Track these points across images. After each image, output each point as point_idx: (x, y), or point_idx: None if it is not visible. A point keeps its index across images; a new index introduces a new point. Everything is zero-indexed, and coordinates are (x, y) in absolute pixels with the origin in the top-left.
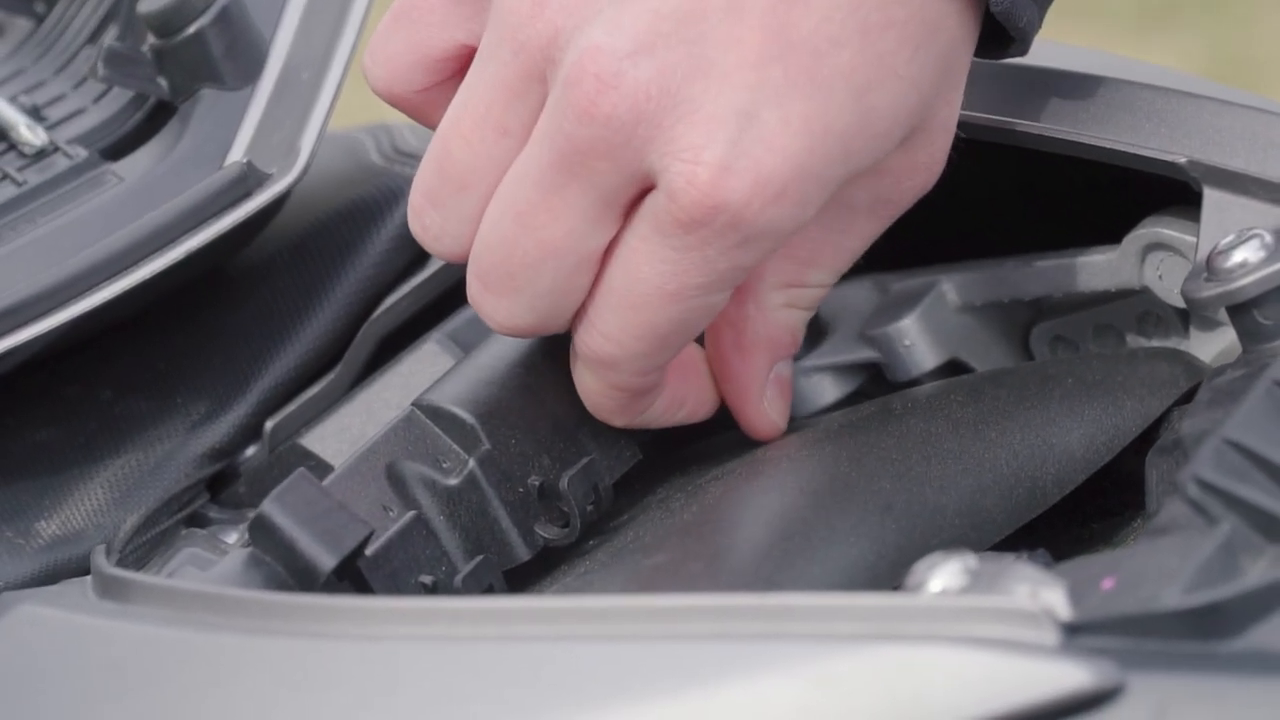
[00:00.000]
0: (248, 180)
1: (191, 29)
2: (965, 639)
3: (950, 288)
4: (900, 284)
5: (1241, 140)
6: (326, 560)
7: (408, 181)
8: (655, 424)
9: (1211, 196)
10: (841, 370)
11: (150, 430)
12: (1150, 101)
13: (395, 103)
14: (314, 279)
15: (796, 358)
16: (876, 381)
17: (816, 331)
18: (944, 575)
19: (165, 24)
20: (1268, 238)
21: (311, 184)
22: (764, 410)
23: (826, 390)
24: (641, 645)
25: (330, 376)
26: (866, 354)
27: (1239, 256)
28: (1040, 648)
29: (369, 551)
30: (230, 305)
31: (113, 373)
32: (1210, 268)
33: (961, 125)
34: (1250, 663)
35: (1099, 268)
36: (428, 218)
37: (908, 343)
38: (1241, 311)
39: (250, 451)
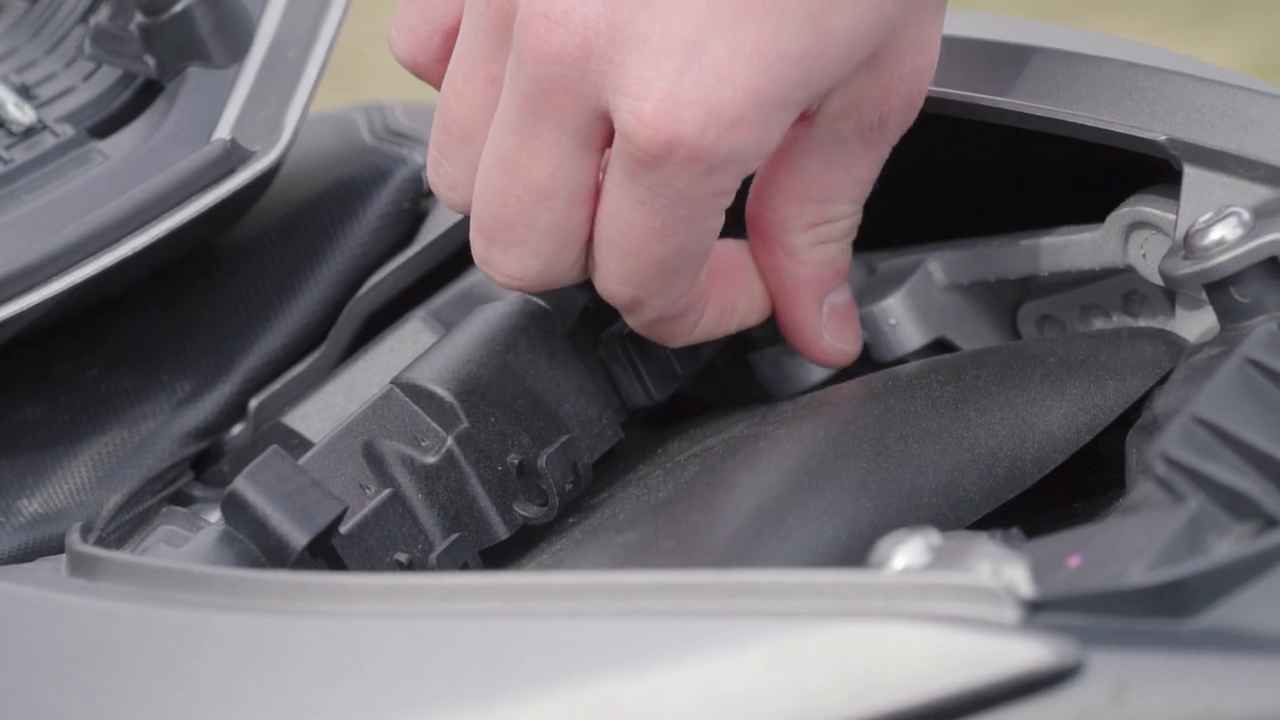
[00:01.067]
0: (231, 158)
1: (178, 7)
2: (924, 616)
3: (936, 267)
4: (887, 263)
5: (1222, 118)
6: (298, 537)
7: (396, 160)
8: (716, 335)
9: (1191, 174)
10: None
11: (135, 408)
12: (1132, 79)
13: (418, 72)
14: (301, 257)
15: (781, 339)
16: (864, 361)
17: None
18: (907, 552)
19: (152, 2)
20: (1245, 215)
21: (301, 162)
22: (826, 344)
23: (811, 371)
24: (600, 622)
25: (315, 355)
26: None
27: (1216, 234)
28: (999, 625)
29: (344, 529)
30: (218, 283)
31: (100, 350)
32: (1188, 246)
33: (943, 103)
34: (1211, 641)
35: (1083, 247)
36: (440, 170)
37: (893, 322)
38: (1219, 289)
39: (236, 430)
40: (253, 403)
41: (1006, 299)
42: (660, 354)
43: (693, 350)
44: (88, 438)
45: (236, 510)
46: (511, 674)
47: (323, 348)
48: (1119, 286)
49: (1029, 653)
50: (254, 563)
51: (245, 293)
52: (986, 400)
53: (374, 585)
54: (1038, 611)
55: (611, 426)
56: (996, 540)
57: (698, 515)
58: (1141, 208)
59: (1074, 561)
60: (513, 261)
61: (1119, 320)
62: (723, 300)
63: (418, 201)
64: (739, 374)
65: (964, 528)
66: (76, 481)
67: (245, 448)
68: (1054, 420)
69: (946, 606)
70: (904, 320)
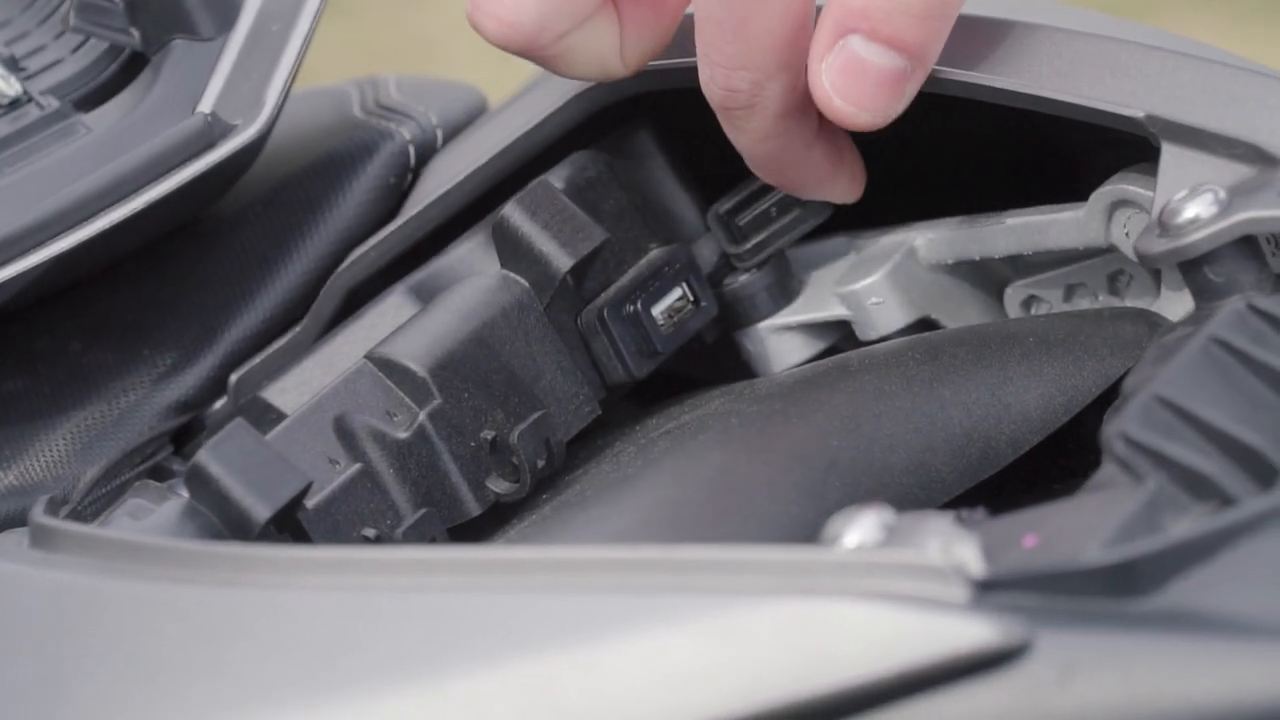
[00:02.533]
0: (211, 132)
1: None
2: (871, 594)
3: (921, 245)
4: (874, 241)
5: (1203, 94)
6: (261, 511)
7: (383, 135)
8: (824, 186)
9: (1170, 152)
10: (813, 328)
11: (116, 382)
12: (1113, 55)
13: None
14: (286, 231)
15: (766, 316)
16: (851, 340)
17: (788, 289)
18: (859, 529)
19: None
20: (1221, 193)
21: (289, 136)
22: (824, 88)
23: (797, 348)
24: (545, 597)
25: (296, 329)
26: (836, 311)
27: (1190, 212)
28: (947, 604)
29: (311, 504)
30: (201, 256)
31: (83, 324)
32: (1162, 224)
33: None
34: (1162, 622)
35: (1066, 226)
36: None
37: (876, 300)
38: (1193, 268)
39: (219, 405)
40: (233, 377)
41: (994, 279)
42: (639, 331)
43: (675, 328)
44: (67, 411)
45: (199, 483)
46: (454, 648)
47: (304, 322)
48: (1104, 266)
49: (975, 632)
50: (216, 536)
51: (229, 267)
52: (962, 379)
53: (319, 559)
54: (988, 591)
55: (589, 403)
56: (949, 519)
57: (662, 492)
58: (1124, 186)
59: (1030, 541)
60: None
61: (1105, 300)
62: (828, 147)
63: (404, 176)
64: (727, 352)
65: (936, 508)
66: (54, 455)
67: (224, 422)
68: (1031, 400)
69: (895, 585)
70: (888, 299)
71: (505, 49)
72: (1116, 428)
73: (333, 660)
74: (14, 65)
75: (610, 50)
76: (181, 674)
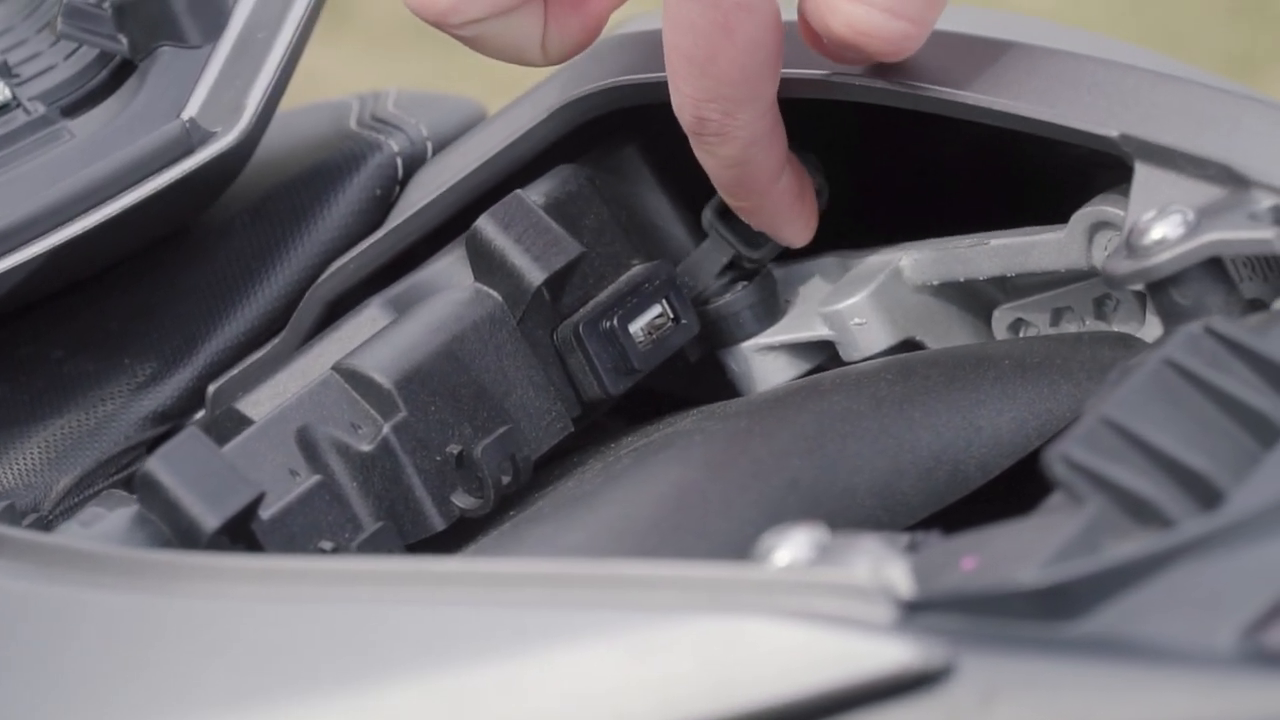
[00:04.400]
0: (190, 138)
1: None
2: (794, 612)
3: (907, 265)
4: (860, 261)
5: (1176, 114)
6: (209, 520)
7: (371, 147)
8: (781, 221)
9: (1142, 172)
10: (798, 349)
11: (95, 390)
12: (1090, 74)
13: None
14: (271, 242)
15: (751, 335)
16: (837, 362)
17: (773, 308)
18: (791, 547)
19: None
20: (1189, 214)
21: (283, 147)
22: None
23: (782, 368)
24: (466, 610)
25: (276, 340)
26: (820, 332)
27: (1158, 233)
28: (870, 624)
29: (266, 515)
30: (187, 266)
31: (67, 332)
32: (1129, 244)
33: (899, 95)
34: (1090, 647)
35: (1048, 248)
36: None
37: (859, 321)
38: (1160, 290)
39: (200, 415)
40: (211, 388)
41: (982, 301)
42: (615, 347)
43: (654, 345)
44: (44, 419)
45: (149, 491)
46: (372, 660)
47: (283, 334)
48: (1090, 290)
49: (896, 654)
50: (166, 545)
51: (213, 277)
52: (933, 401)
53: (248, 569)
54: (915, 612)
55: (561, 420)
56: (882, 539)
57: (617, 509)
58: (1104, 208)
59: (968, 563)
60: None
61: (1092, 325)
62: (793, 183)
63: (391, 189)
64: (715, 371)
65: (900, 530)
66: (27, 463)
67: (205, 433)
68: (1003, 424)
69: (819, 604)
70: (871, 319)
71: (419, 17)
72: (1058, 449)
73: (248, 671)
74: (6, 71)
75: (530, 41)
76: (101, 681)
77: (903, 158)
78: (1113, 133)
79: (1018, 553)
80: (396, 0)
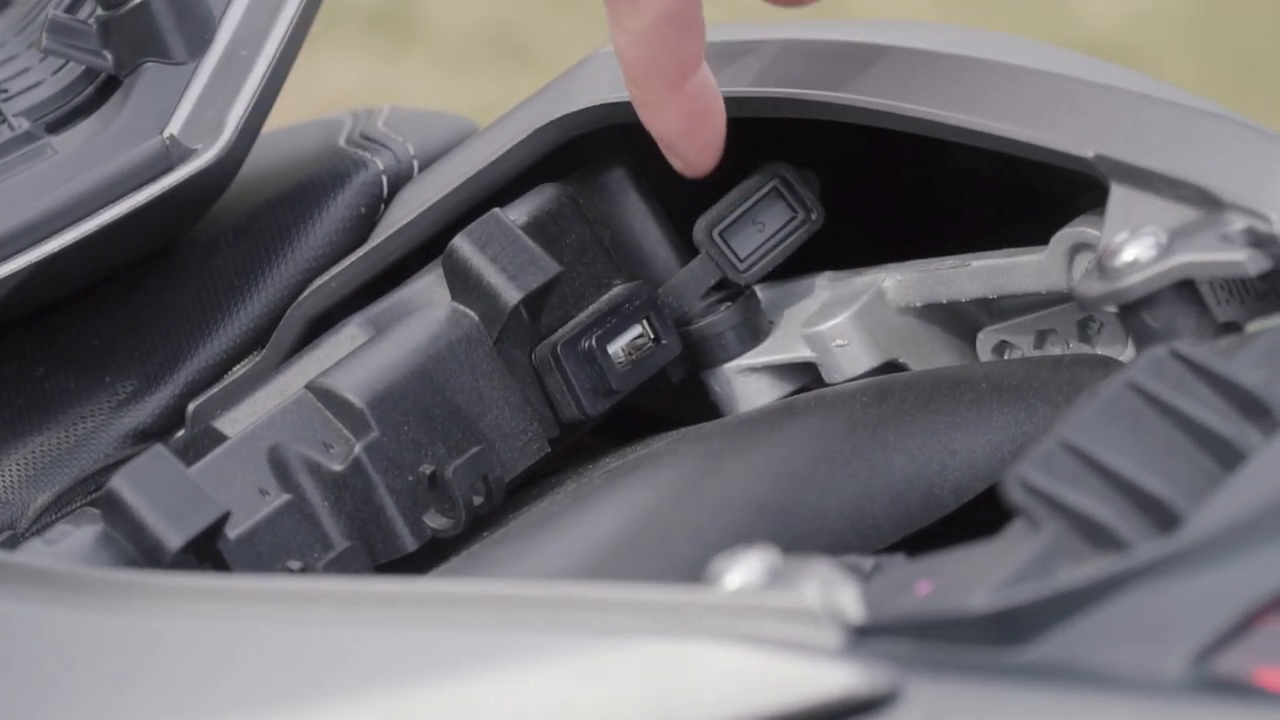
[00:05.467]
0: (170, 155)
1: (136, 0)
2: (740, 636)
3: (891, 287)
4: (845, 282)
5: (1152, 135)
6: (173, 539)
7: (357, 165)
8: (676, 136)
9: (1118, 193)
10: (781, 370)
11: (75, 408)
12: (1069, 94)
13: None
14: (255, 259)
15: (734, 356)
16: (821, 383)
17: (757, 328)
18: (742, 570)
19: None
20: (1162, 236)
21: (268, 164)
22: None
23: (765, 390)
24: (413, 632)
25: (256, 359)
26: (802, 353)
27: (1130, 254)
28: (816, 649)
29: (234, 534)
30: (170, 283)
31: (49, 349)
32: (1100, 265)
33: (878, 115)
34: (1038, 673)
35: (1029, 269)
36: None
37: (841, 342)
38: (1131, 312)
39: (180, 434)
40: (191, 406)
41: (967, 323)
42: (594, 368)
43: (634, 366)
44: (23, 436)
45: (113, 509)
46: (315, 681)
47: (264, 352)
48: (1074, 313)
49: (842, 678)
50: (130, 563)
51: (196, 294)
52: (907, 424)
53: (197, 588)
54: (865, 637)
55: (537, 440)
56: (834, 563)
57: (581, 530)
58: (1084, 229)
59: (924, 588)
60: None
61: (1075, 347)
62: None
63: (376, 207)
64: (698, 391)
65: (871, 554)
66: (5, 480)
67: (179, 452)
68: (978, 447)
69: (766, 628)
70: (854, 341)
71: None
72: (1015, 473)
73: (189, 691)
74: None
75: None
76: (43, 699)
77: (891, 178)
78: (1088, 153)
79: (972, 577)
80: (467, 17)
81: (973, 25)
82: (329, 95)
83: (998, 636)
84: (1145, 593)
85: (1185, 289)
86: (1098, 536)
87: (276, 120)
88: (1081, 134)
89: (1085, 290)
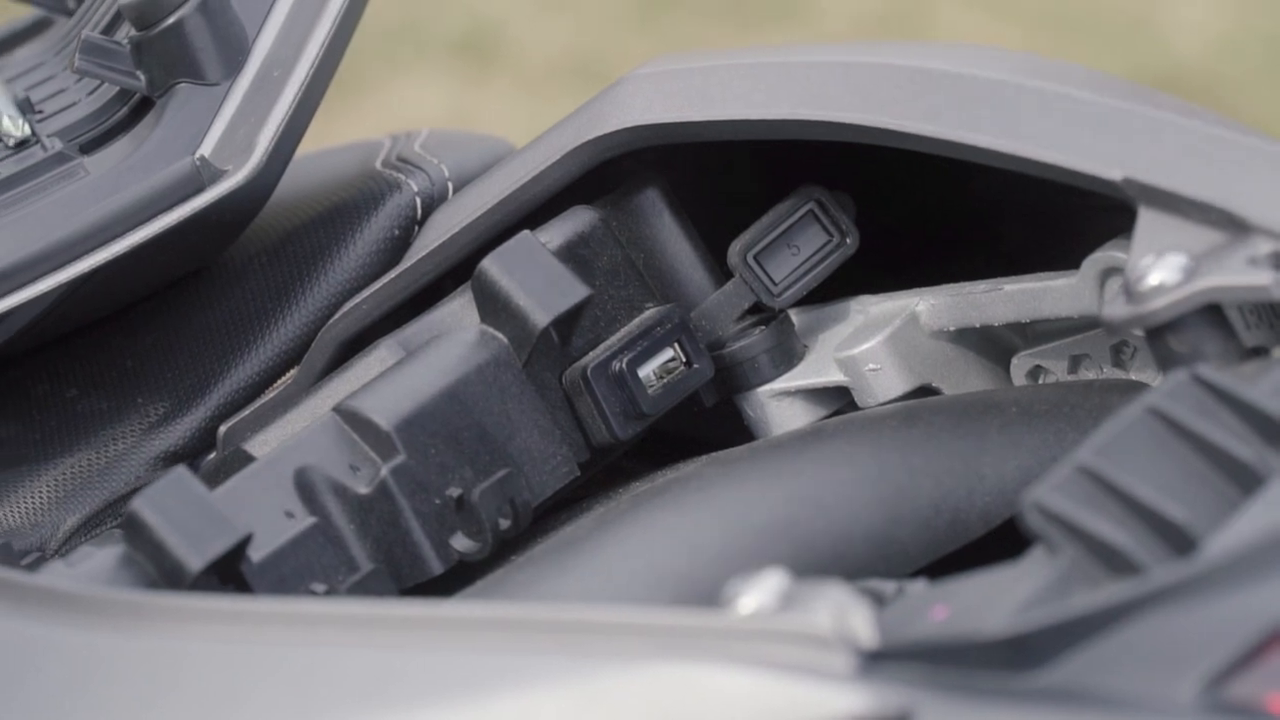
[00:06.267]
0: (200, 177)
1: (169, 20)
2: (749, 660)
3: (924, 311)
4: (879, 306)
5: (1181, 158)
6: (194, 561)
7: (391, 187)
8: None
9: (1146, 216)
10: (814, 395)
11: (107, 429)
12: (1098, 116)
13: None
14: (288, 282)
15: (767, 380)
16: (854, 408)
17: (791, 352)
18: (755, 594)
19: (143, 15)
20: (1187, 260)
21: (304, 186)
22: None
23: (798, 415)
24: (420, 655)
25: (288, 381)
26: (835, 377)
27: (1155, 278)
28: (827, 673)
29: (258, 557)
30: (203, 305)
31: (82, 371)
32: (1127, 289)
33: (910, 138)
34: (1050, 699)
35: (1061, 293)
36: None
37: (874, 366)
38: (1157, 336)
39: (211, 456)
40: (222, 428)
41: (1002, 348)
42: (624, 391)
43: (665, 390)
44: (54, 458)
45: (135, 531)
46: (324, 702)
47: (296, 374)
48: (1107, 337)
49: (852, 702)
50: (151, 585)
51: (229, 317)
52: (936, 448)
53: (207, 610)
54: (877, 661)
55: (566, 464)
56: (848, 588)
57: (602, 555)
58: (1114, 253)
59: (940, 612)
60: None
61: (1109, 372)
62: None
63: (409, 229)
64: (733, 415)
65: (897, 579)
66: (35, 501)
67: (209, 474)
68: (1007, 472)
69: (777, 652)
70: (886, 365)
71: None
72: (1033, 497)
73: (199, 710)
74: (28, 107)
75: None
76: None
77: (922, 201)
78: (1116, 176)
79: (988, 602)
80: (550, 44)
81: (1060, 54)
82: (411, 122)
83: (1011, 661)
84: (1159, 617)
85: (1211, 313)
86: (1115, 561)
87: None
88: (1110, 157)
89: (1111, 314)
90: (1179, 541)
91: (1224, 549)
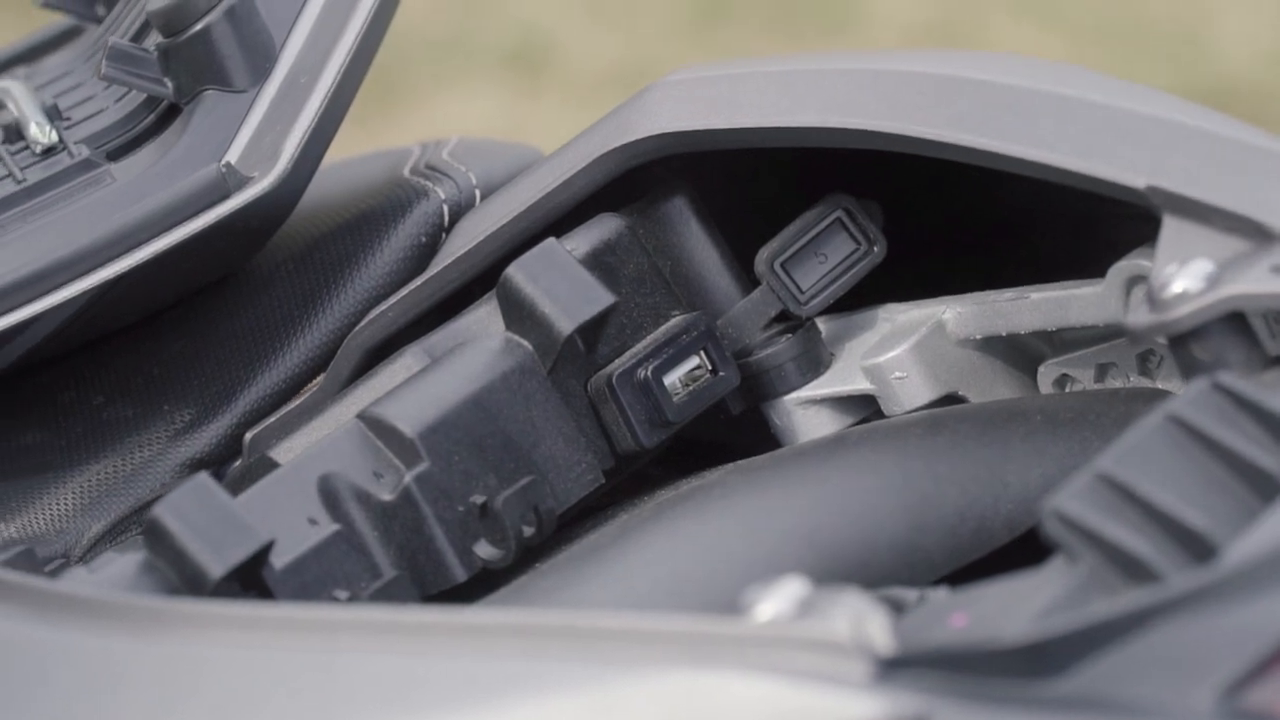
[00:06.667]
0: (226, 184)
1: (196, 27)
2: (764, 667)
3: (950, 319)
4: (906, 314)
5: (1205, 167)
6: (215, 568)
7: (418, 194)
8: None
9: (1170, 224)
10: (841, 403)
11: (132, 437)
12: (1123, 124)
13: None
14: (314, 289)
15: (794, 388)
16: (881, 416)
17: (818, 360)
18: (773, 601)
19: (169, 22)
20: (1210, 267)
21: (332, 194)
22: None
23: (825, 423)
24: (434, 661)
25: (314, 388)
26: (861, 385)
27: (1179, 286)
28: (843, 680)
29: (280, 564)
30: (230, 312)
31: (108, 378)
32: (1149, 297)
33: (935, 146)
34: (1067, 707)
35: (1086, 301)
36: None
37: (900, 374)
38: (1180, 344)
39: (237, 463)
40: (248, 435)
41: (1029, 356)
42: (649, 399)
43: (690, 397)
44: (80, 465)
45: (156, 538)
46: (340, 707)
47: (321, 381)
48: (1135, 346)
49: (866, 709)
50: (172, 592)
51: (255, 323)
52: (960, 456)
53: (224, 616)
54: (894, 668)
55: (591, 472)
56: (865, 595)
57: (626, 562)
58: (1140, 261)
59: (959, 620)
60: None
61: (1136, 381)
62: None
63: (436, 236)
64: (760, 423)
65: (921, 587)
66: (60, 508)
67: (235, 481)
68: (1032, 480)
69: (792, 659)
70: (913, 373)
71: None
72: (1051, 505)
73: (219, 716)
74: (56, 114)
75: None
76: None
77: (948, 208)
78: (1141, 184)
79: (1007, 610)
80: (602, 55)
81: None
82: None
83: (1029, 669)
84: (1177, 625)
85: (1235, 321)
86: (1134, 569)
87: None
88: (1135, 164)
89: (1134, 322)
90: (1198, 549)
91: (1242, 557)
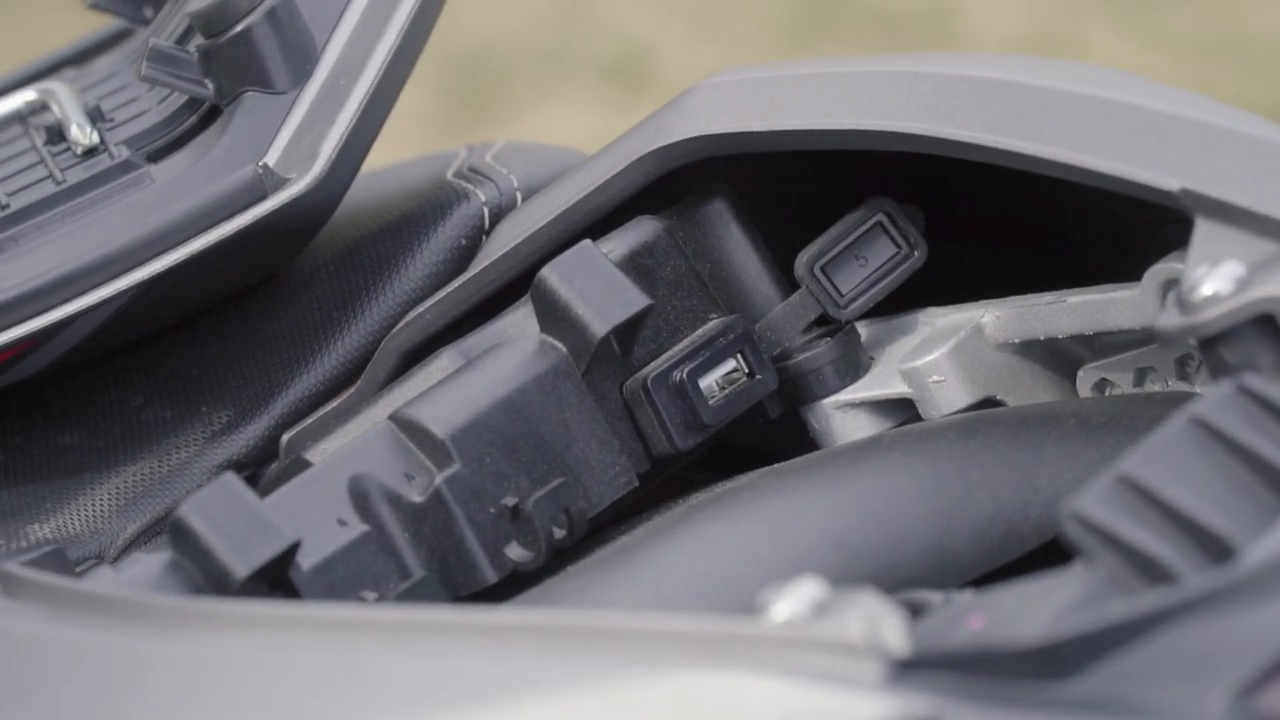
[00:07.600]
0: (263, 185)
1: (237, 28)
2: (777, 667)
3: (989, 322)
4: (945, 318)
5: (1240, 170)
6: (240, 568)
7: (459, 197)
8: None
9: (1203, 227)
10: (879, 407)
11: (170, 438)
12: (1157, 126)
13: None
14: (354, 291)
15: (832, 392)
16: (914, 419)
17: (856, 364)
18: (788, 602)
19: (210, 23)
20: (1241, 270)
21: (376, 196)
22: None
23: (863, 427)
24: (450, 660)
25: (351, 390)
26: (899, 389)
27: (1209, 288)
28: (856, 681)
29: (308, 564)
30: (270, 314)
31: (147, 379)
32: (1180, 299)
33: (971, 149)
34: (1080, 708)
35: (1123, 305)
36: None
37: (938, 378)
38: (1209, 347)
39: (274, 465)
40: (285, 437)
41: (1069, 360)
42: (685, 402)
43: (727, 401)
44: (117, 466)
45: (181, 538)
46: (357, 706)
47: (359, 383)
48: (1172, 350)
49: (879, 710)
50: (198, 591)
51: (294, 326)
52: (992, 460)
53: (246, 615)
54: (908, 670)
55: (625, 474)
56: (881, 596)
57: (653, 564)
58: (1175, 264)
59: (976, 622)
60: None
61: (1174, 385)
62: None
63: (477, 238)
64: (799, 427)
65: (951, 590)
66: (95, 509)
67: (270, 482)
68: (1064, 484)
69: (806, 659)
70: (950, 377)
71: None
72: (1071, 507)
73: (233, 713)
74: (98, 115)
75: None
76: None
77: (985, 210)
78: (1174, 187)
79: (1025, 612)
80: (699, 69)
81: (1206, 84)
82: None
83: (1043, 670)
84: (1193, 627)
85: (1265, 324)
86: (1153, 571)
87: None
88: (1169, 167)
89: (1164, 324)
90: (1218, 551)
91: (1261, 559)
